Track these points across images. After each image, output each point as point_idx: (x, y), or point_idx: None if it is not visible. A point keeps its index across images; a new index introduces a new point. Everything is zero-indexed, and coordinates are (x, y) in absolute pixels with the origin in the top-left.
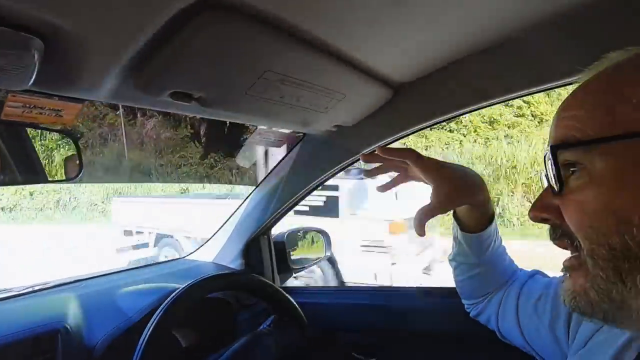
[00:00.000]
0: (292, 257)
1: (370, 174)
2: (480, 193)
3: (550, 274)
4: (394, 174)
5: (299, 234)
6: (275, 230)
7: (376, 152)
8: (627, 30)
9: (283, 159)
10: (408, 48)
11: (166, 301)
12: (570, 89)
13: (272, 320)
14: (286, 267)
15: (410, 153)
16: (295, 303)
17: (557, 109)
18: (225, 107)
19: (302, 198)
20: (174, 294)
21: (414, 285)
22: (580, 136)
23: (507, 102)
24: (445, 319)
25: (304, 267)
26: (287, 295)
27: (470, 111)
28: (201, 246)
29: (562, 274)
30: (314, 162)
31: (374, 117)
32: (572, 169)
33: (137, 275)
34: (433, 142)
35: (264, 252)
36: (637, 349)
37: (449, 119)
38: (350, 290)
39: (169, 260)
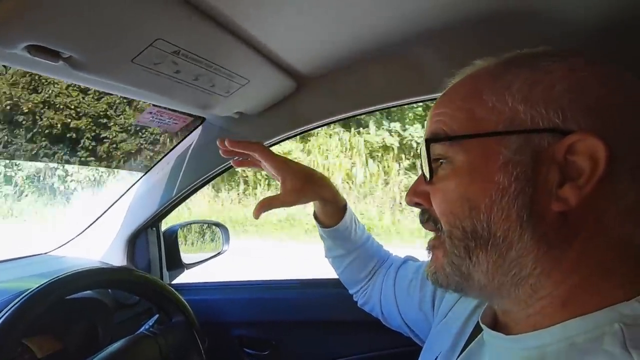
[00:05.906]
0: (186, 253)
1: (235, 163)
2: (326, 189)
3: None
4: None
5: (194, 227)
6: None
7: (226, 143)
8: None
9: (178, 144)
10: (314, 41)
11: (12, 304)
12: None
13: (155, 320)
14: (177, 263)
15: (257, 146)
16: (182, 299)
17: (432, 106)
18: (105, 74)
19: (198, 188)
20: (24, 295)
21: (306, 278)
22: (447, 132)
23: (400, 106)
24: (335, 308)
25: (198, 263)
26: (172, 290)
27: (369, 112)
28: (71, 240)
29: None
30: (213, 151)
31: (277, 108)
32: (440, 161)
33: None
34: None
35: (151, 246)
36: (479, 313)
37: (350, 117)
38: (245, 285)
39: (23, 257)
